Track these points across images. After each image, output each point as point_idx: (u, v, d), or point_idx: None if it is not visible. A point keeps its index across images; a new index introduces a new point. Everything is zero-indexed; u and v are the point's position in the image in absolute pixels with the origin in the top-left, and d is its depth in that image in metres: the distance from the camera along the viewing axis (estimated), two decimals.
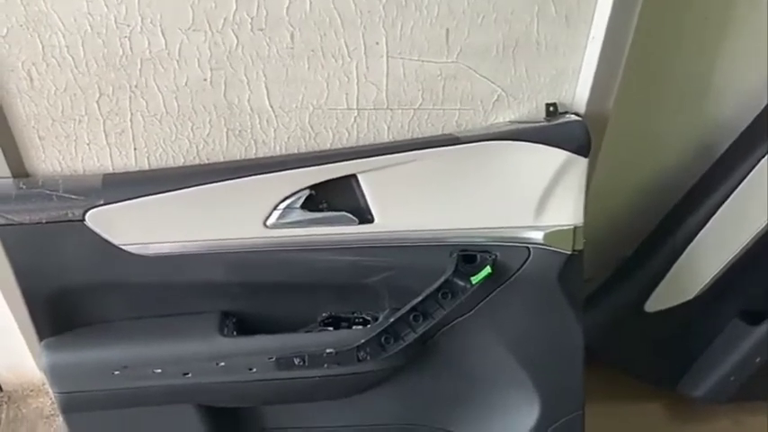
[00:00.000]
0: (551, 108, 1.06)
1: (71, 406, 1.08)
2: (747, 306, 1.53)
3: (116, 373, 1.04)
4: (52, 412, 1.70)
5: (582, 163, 1.02)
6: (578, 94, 1.07)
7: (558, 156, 1.01)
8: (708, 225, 1.39)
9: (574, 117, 1.05)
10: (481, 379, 1.18)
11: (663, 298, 1.45)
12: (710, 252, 1.42)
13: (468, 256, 1.06)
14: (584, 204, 1.06)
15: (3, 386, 1.78)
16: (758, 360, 1.52)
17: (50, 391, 1.08)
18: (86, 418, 1.10)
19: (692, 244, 1.41)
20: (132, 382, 1.05)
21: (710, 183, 1.41)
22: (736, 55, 1.32)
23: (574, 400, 1.17)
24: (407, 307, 1.05)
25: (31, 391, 1.76)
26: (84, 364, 1.06)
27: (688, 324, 1.51)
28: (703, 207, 1.40)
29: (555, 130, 1.03)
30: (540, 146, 1.01)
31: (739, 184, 1.34)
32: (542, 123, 1.05)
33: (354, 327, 1.12)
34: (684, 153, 1.47)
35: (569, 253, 1.06)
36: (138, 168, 1.02)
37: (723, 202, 1.36)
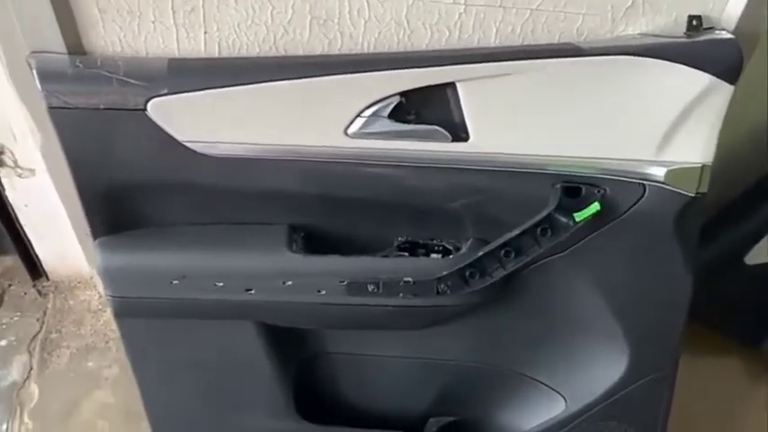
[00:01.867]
0: (695, 21, 0.88)
1: (125, 311, 1.02)
2: None
3: (174, 282, 0.97)
4: (100, 307, 1.68)
5: (726, 90, 0.86)
6: (730, 8, 0.89)
7: (700, 79, 0.85)
8: None
9: (724, 34, 0.88)
10: (566, 324, 1.08)
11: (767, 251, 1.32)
12: None
13: (572, 188, 0.92)
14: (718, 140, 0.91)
15: (49, 275, 1.75)
16: None
17: (101, 288, 1.02)
18: (140, 324, 1.05)
19: None
20: (191, 294, 0.98)
21: None
22: None
23: (668, 356, 1.07)
24: (500, 241, 0.94)
25: (79, 282, 1.73)
26: (141, 268, 0.99)
27: None
28: None
29: (700, 47, 0.86)
30: (680, 66, 0.85)
31: None
32: (682, 39, 0.88)
33: (432, 255, 1.02)
34: None
35: (692, 195, 0.92)
36: (206, 55, 0.89)
37: None
